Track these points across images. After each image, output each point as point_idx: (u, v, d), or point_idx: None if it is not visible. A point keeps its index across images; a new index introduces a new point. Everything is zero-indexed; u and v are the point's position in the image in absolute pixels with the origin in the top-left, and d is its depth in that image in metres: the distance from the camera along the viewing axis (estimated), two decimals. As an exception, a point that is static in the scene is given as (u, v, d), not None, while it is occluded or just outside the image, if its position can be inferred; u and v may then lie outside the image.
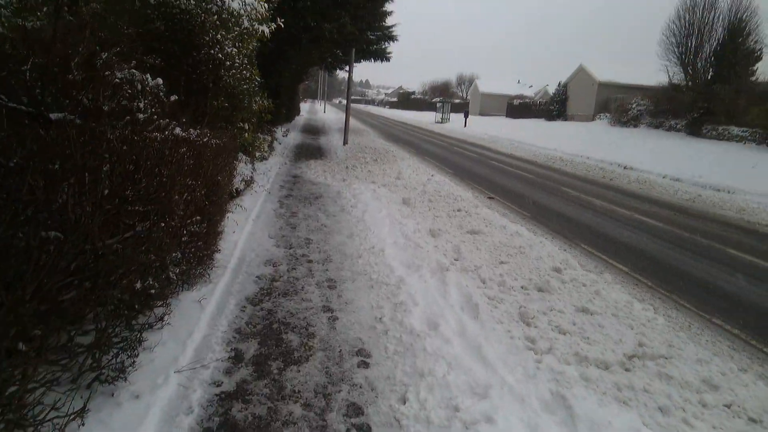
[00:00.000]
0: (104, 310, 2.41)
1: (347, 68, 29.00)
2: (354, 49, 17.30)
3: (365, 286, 4.39)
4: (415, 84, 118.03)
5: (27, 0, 6.38)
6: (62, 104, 3.91)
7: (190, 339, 3.12)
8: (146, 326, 2.87)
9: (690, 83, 25.96)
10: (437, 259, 5.03)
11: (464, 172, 13.74)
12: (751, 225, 9.29)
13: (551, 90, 58.68)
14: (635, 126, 28.71)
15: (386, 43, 22.68)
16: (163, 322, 3.14)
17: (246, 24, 7.31)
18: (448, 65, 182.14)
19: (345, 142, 17.58)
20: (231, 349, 3.22)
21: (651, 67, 36.29)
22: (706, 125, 23.00)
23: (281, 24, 8.49)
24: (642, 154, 20.37)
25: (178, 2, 5.42)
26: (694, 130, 23.57)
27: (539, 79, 74.50)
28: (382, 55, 23.45)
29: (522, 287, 4.58)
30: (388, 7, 16.87)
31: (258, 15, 7.84)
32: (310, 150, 15.53)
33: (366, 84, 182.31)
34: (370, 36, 20.23)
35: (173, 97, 5.23)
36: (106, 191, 2.40)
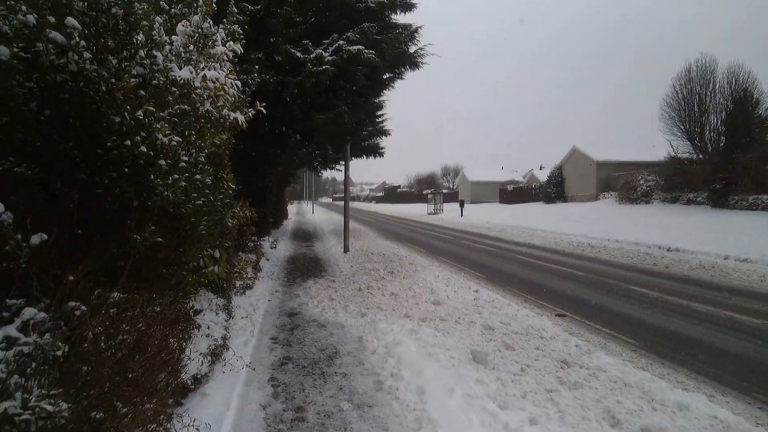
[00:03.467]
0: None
1: (336, 167, 27.43)
2: (349, 145, 15.28)
3: None
4: (397, 178, 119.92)
5: None
6: None
7: None
8: None
9: (700, 155, 24.66)
10: None
11: (500, 277, 10.91)
12: None
13: (538, 173, 58.51)
14: (647, 202, 26.85)
15: (379, 138, 21.07)
16: None
17: (208, 107, 4.81)
18: (429, 157, 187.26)
19: (346, 249, 14.83)
20: None
21: (643, 144, 35.78)
22: (733, 196, 21.09)
23: (262, 109, 6.08)
24: (676, 232, 17.98)
25: (63, 62, 2.84)
26: (719, 201, 21.62)
27: (522, 164, 75.56)
28: (375, 151, 21.67)
29: None
30: (384, 95, 15.08)
31: (227, 97, 5.40)
32: (306, 264, 12.66)
33: (349, 182, 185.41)
34: (363, 132, 18.42)
35: (36, 238, 2.46)
36: None
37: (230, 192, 6.20)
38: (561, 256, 14.71)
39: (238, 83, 5.51)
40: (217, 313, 5.73)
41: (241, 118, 5.83)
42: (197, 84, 4.29)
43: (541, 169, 60.58)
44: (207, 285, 6.29)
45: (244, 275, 9.22)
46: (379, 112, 16.03)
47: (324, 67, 9.78)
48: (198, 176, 3.64)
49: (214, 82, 5.11)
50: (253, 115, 6.16)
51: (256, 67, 7.78)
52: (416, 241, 19.83)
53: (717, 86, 23.45)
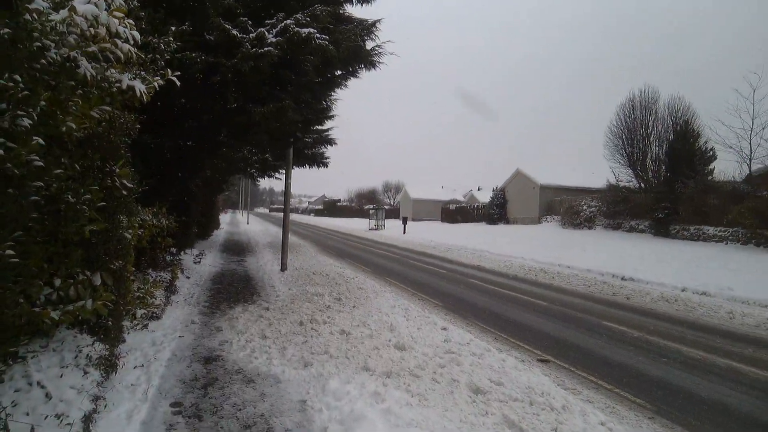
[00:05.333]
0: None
1: (276, 175, 25.27)
2: (292, 149, 13.49)
3: None
4: (338, 191, 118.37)
5: None
6: None
7: None
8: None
9: (641, 184, 25.25)
10: None
11: (461, 306, 9.59)
12: None
13: (477, 194, 59.18)
14: (589, 228, 27.10)
15: (324, 147, 19.47)
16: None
17: (76, 56, 3.02)
18: (369, 172, 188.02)
19: (284, 268, 12.92)
20: None
21: (583, 170, 36.74)
22: (674, 225, 21.50)
23: (174, 78, 4.30)
24: (626, 260, 17.76)
25: None
26: (661, 230, 21.97)
27: (460, 185, 76.58)
28: (319, 160, 20.04)
29: None
30: (335, 94, 13.46)
31: (117, 52, 3.61)
32: (234, 284, 10.63)
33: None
34: (306, 139, 16.67)
35: None
36: None
37: (123, 192, 4.33)
38: (516, 281, 13.74)
39: (135, 34, 3.71)
40: (85, 372, 3.79)
41: (141, 87, 4.02)
42: (49, 12, 2.51)
43: (479, 190, 61.45)
44: (79, 324, 4.33)
45: (150, 301, 7.16)
46: (330, 114, 14.38)
47: (266, 49, 8.07)
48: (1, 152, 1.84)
49: (93, 24, 3.32)
50: (161, 86, 4.35)
51: (172, 29, 5.95)
52: (361, 259, 18.24)
53: (659, 117, 24.27)
